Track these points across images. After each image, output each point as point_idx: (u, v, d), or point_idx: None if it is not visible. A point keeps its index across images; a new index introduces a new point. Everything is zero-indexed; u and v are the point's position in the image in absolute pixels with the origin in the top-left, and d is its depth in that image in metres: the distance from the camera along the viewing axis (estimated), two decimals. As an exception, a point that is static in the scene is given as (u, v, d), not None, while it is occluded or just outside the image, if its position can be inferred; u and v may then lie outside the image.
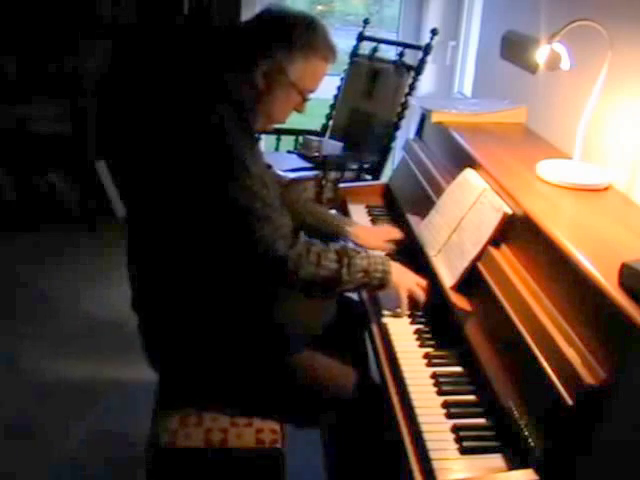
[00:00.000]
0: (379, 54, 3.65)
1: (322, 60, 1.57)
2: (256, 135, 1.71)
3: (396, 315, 1.62)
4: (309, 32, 1.54)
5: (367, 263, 1.55)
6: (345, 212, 2.26)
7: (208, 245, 1.50)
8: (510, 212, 1.50)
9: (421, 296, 1.62)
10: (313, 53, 1.54)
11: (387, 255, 1.78)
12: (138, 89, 3.69)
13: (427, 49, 3.34)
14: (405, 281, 1.61)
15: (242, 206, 1.44)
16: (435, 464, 1.17)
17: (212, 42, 1.77)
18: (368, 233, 1.95)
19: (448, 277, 1.57)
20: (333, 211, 2.15)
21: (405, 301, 1.60)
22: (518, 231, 1.46)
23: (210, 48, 1.66)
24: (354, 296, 1.90)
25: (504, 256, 1.46)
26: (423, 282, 1.65)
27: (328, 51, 1.57)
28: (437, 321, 1.60)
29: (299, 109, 1.62)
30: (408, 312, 1.62)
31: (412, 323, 1.61)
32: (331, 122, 3.75)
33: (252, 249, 1.46)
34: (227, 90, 1.54)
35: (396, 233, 1.96)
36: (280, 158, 3.50)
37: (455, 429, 1.25)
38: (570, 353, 1.12)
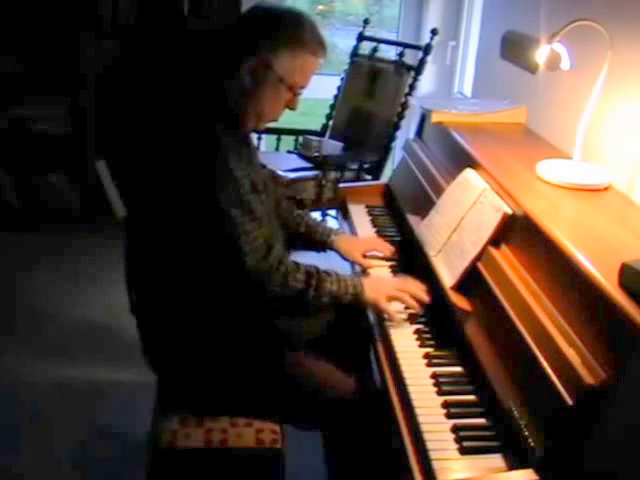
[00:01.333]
0: (379, 54, 3.65)
1: (310, 54, 1.55)
2: (249, 135, 1.71)
3: (398, 326, 1.59)
4: (294, 26, 1.54)
5: (337, 287, 1.57)
6: (345, 212, 2.26)
7: (198, 248, 1.50)
8: (510, 212, 1.50)
9: (411, 301, 1.61)
10: (300, 47, 1.53)
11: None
12: (137, 89, 3.69)
13: (427, 49, 3.34)
14: (382, 293, 1.60)
15: (221, 210, 1.46)
16: (435, 464, 1.17)
17: (205, 43, 1.79)
18: (351, 244, 1.93)
19: (448, 277, 1.57)
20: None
21: (391, 312, 1.59)
22: (518, 231, 1.46)
23: (201, 49, 1.67)
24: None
25: (504, 256, 1.46)
26: (405, 284, 1.64)
27: (316, 45, 1.55)
28: (437, 321, 1.60)
29: (291, 106, 1.61)
30: (404, 318, 1.61)
31: (412, 323, 1.61)
32: (331, 122, 3.75)
33: (223, 256, 1.50)
34: (218, 94, 1.55)
35: (381, 246, 1.93)
36: (280, 158, 3.50)
37: (455, 429, 1.25)
38: (570, 353, 1.12)
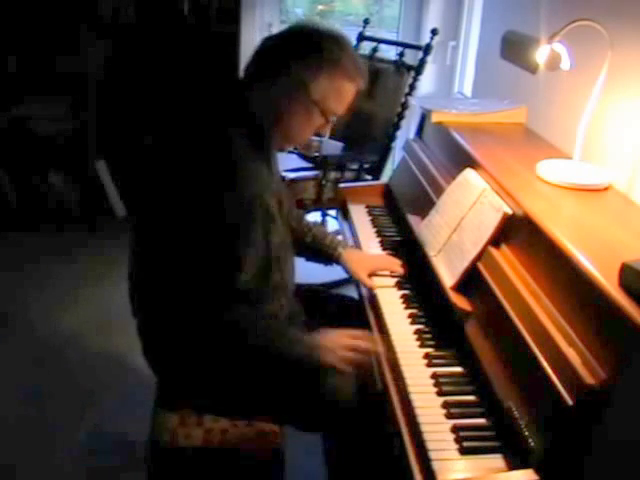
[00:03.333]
0: (379, 54, 3.65)
1: (348, 81, 1.50)
2: (271, 152, 1.66)
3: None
4: (336, 50, 1.48)
5: (299, 349, 1.52)
6: (345, 212, 2.26)
7: (199, 252, 1.49)
8: (510, 212, 1.50)
9: (365, 346, 1.51)
10: (340, 72, 1.48)
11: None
12: (139, 90, 3.70)
13: (427, 49, 3.34)
14: (335, 355, 1.51)
15: (217, 225, 1.43)
16: (435, 464, 1.17)
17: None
18: (358, 262, 1.85)
19: (448, 277, 1.57)
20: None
21: (343, 367, 1.51)
22: (518, 231, 1.46)
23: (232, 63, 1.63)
24: (354, 294, 1.90)
25: (504, 256, 1.46)
26: (354, 337, 1.54)
27: (355, 72, 1.50)
28: (437, 321, 1.60)
29: (321, 132, 1.56)
30: (350, 369, 1.53)
31: (412, 323, 1.61)
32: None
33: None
34: (243, 109, 1.51)
35: (391, 265, 1.85)
36: (280, 158, 3.48)
37: (455, 429, 1.25)
38: (570, 353, 1.12)
